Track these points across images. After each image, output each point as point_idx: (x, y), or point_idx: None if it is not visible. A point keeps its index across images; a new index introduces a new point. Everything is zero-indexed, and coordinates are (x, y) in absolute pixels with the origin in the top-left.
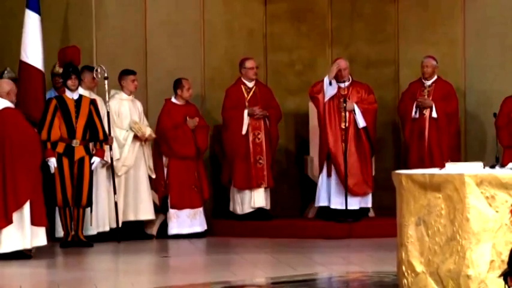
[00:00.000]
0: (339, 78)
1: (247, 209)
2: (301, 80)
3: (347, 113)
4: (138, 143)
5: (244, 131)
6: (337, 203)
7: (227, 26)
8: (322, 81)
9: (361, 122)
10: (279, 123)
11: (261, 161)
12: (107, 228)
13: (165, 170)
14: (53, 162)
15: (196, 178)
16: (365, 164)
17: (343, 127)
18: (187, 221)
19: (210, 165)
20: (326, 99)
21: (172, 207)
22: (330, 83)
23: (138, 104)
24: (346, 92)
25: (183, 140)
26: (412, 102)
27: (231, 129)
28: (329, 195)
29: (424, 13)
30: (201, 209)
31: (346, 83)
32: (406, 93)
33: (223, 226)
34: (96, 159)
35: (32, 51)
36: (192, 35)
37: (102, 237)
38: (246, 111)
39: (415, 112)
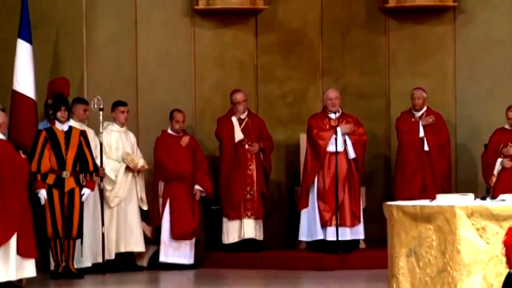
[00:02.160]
0: (329, 108)
1: (235, 239)
2: (292, 112)
3: (339, 142)
4: (130, 175)
5: (239, 137)
6: (326, 235)
7: (218, 58)
8: (331, 130)
9: (352, 153)
10: (271, 154)
11: (251, 192)
12: (100, 260)
13: (160, 200)
14: (43, 194)
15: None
16: (354, 195)
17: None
18: (176, 250)
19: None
20: (328, 149)
21: (164, 236)
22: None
23: (131, 136)
24: (336, 123)
25: (177, 158)
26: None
27: (224, 161)
28: (315, 227)
29: (415, 45)
30: (192, 241)
31: (337, 114)
32: (401, 122)
33: (215, 257)
34: (86, 191)
35: (24, 80)
36: (183, 67)
37: (94, 269)
38: (233, 118)
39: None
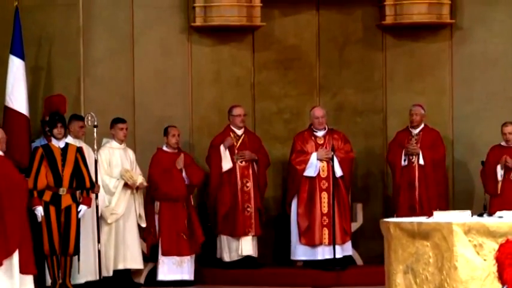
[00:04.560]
0: (316, 126)
1: (235, 257)
2: (289, 128)
3: (325, 162)
4: (129, 191)
5: (227, 166)
6: (319, 253)
7: (215, 75)
8: (307, 154)
9: (339, 171)
10: (267, 171)
11: (248, 209)
12: (97, 277)
13: (156, 217)
14: (39, 210)
15: (186, 226)
16: (344, 213)
17: (323, 176)
18: (173, 268)
19: (198, 213)
20: (304, 174)
21: (161, 254)
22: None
23: (130, 153)
24: (323, 141)
25: (171, 180)
26: (401, 150)
27: (213, 169)
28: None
29: (412, 62)
30: (189, 257)
31: (323, 132)
32: (393, 143)
33: (211, 274)
34: (83, 207)
35: (17, 96)
36: (180, 84)
37: (91, 286)
38: (221, 146)
39: (404, 160)
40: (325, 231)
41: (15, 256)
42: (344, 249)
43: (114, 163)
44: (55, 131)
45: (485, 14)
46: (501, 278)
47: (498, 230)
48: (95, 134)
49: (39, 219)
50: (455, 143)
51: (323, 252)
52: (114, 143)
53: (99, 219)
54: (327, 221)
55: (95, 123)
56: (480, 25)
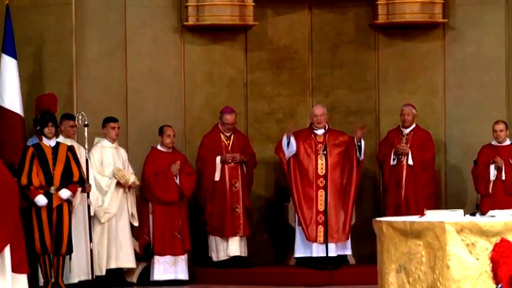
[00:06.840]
0: (315, 125)
1: (223, 257)
2: (282, 128)
3: (324, 160)
4: (121, 190)
5: (217, 178)
6: (316, 251)
7: (208, 75)
8: (284, 136)
9: (361, 155)
10: (260, 171)
11: (237, 210)
12: (89, 276)
13: (150, 217)
14: (41, 198)
15: (180, 226)
16: (341, 212)
17: (321, 174)
18: (167, 267)
19: (190, 213)
20: (286, 156)
21: (155, 253)
22: (288, 143)
23: (122, 152)
24: (322, 139)
25: (165, 185)
26: (391, 150)
27: (205, 177)
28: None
29: (404, 62)
30: (182, 257)
31: (323, 130)
32: (384, 142)
33: (204, 273)
34: (66, 192)
35: (10, 96)
36: (173, 84)
37: (84, 285)
38: (218, 158)
39: (393, 159)
40: (321, 229)
41: (7, 255)
42: (340, 248)
43: (106, 162)
44: (46, 130)
45: (478, 13)
46: (496, 276)
47: (491, 229)
48: (86, 133)
49: (43, 204)
50: (448, 144)
51: (320, 250)
52: (106, 142)
53: (92, 218)
54: (323, 219)
55: (86, 123)
56: (473, 25)
